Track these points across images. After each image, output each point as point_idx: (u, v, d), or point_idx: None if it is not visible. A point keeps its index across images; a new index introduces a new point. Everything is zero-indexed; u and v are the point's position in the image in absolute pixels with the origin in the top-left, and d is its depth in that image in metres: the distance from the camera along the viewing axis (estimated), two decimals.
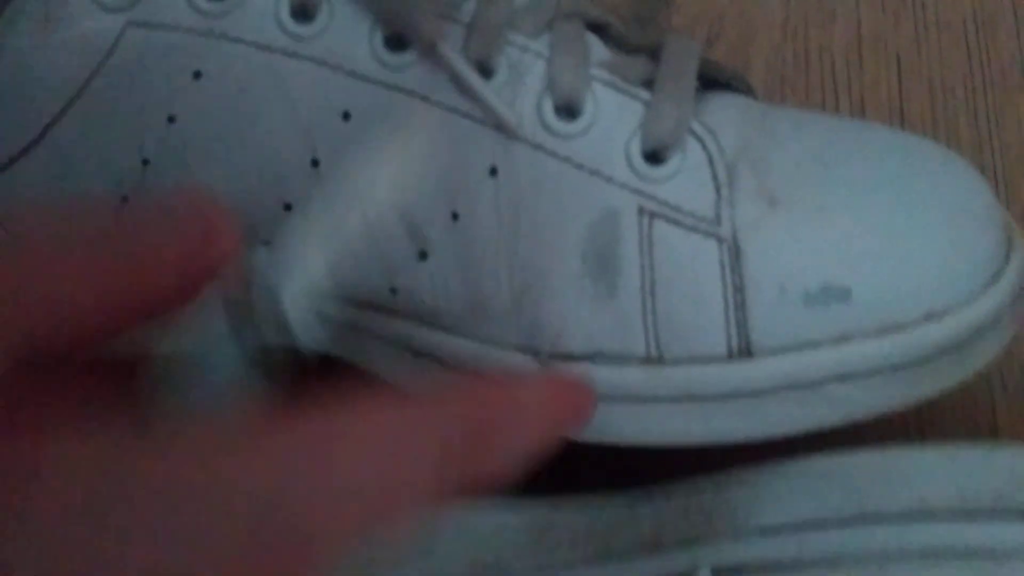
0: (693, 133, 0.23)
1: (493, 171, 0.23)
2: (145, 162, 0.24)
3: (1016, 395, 0.30)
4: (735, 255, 0.22)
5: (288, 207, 0.24)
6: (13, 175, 0.24)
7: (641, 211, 0.22)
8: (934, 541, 0.23)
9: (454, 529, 0.25)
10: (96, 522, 0.15)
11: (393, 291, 0.24)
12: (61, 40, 0.23)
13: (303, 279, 0.20)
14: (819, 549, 0.23)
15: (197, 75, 0.23)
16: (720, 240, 0.22)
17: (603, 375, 0.23)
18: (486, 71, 0.23)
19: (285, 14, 0.23)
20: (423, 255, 0.24)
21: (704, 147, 0.23)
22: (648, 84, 0.23)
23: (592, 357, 0.23)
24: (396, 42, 0.23)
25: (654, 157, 0.23)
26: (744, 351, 0.22)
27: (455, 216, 0.23)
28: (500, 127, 0.23)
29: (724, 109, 0.24)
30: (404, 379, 0.25)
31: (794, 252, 0.22)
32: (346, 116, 0.23)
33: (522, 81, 0.23)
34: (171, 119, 0.24)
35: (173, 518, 0.15)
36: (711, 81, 0.25)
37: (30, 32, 0.23)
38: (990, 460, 0.23)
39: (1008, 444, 0.24)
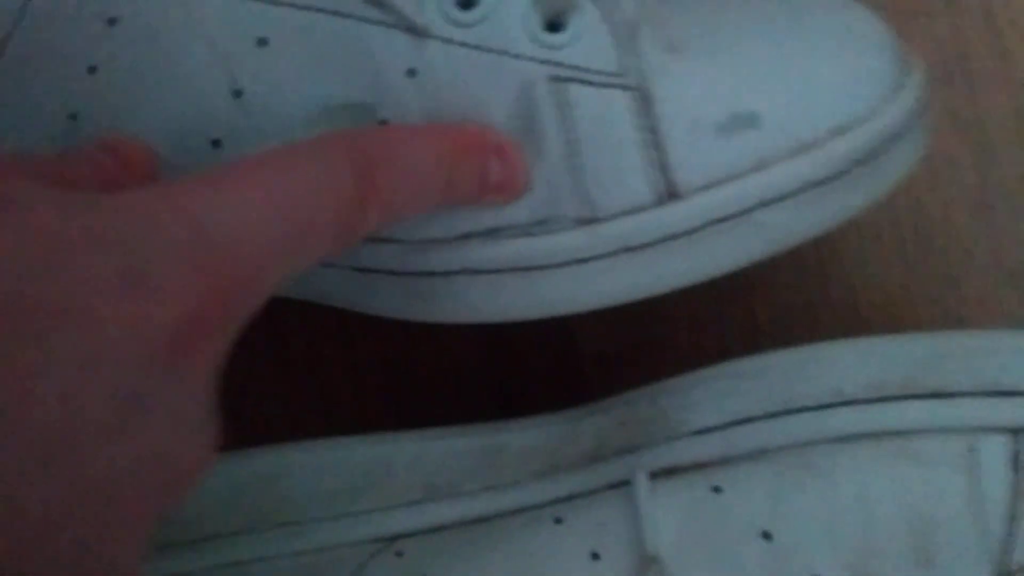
0: None
1: (411, 73, 0.24)
2: (73, 116, 0.24)
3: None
4: (645, 101, 0.23)
5: (215, 143, 0.25)
6: None
7: (552, 78, 0.23)
8: (848, 425, 0.24)
9: (408, 456, 0.26)
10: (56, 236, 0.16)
11: None
12: None
13: None
14: (745, 443, 0.24)
15: (112, 22, 0.24)
16: (629, 89, 0.23)
17: (543, 244, 0.24)
18: None
19: None
20: None
21: (599, 6, 0.24)
22: None
23: (532, 226, 0.24)
24: None
25: (553, 26, 0.24)
26: (671, 194, 0.23)
27: (383, 123, 0.24)
28: (411, 29, 0.24)
29: None
30: (353, 298, 0.26)
31: (701, 87, 0.23)
32: (262, 42, 0.24)
33: None
34: (92, 69, 0.24)
35: (126, 238, 0.17)
36: None
37: None
38: (901, 349, 0.24)
39: (919, 333, 0.25)
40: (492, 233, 0.24)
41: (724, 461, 0.24)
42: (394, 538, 0.25)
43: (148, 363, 0.17)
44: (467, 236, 0.24)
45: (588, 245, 0.23)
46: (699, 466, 0.24)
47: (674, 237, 0.23)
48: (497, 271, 0.24)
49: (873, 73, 0.23)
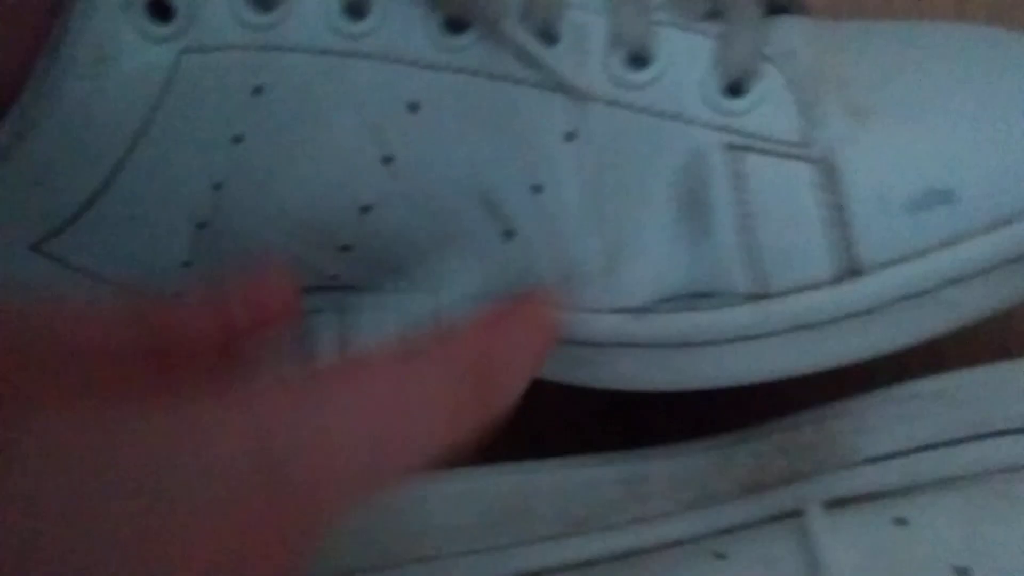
0: (768, 59, 0.23)
1: (570, 136, 0.23)
2: (217, 187, 0.24)
3: None
4: (829, 174, 0.22)
5: (365, 209, 0.24)
6: (86, 223, 0.24)
7: (728, 147, 0.22)
8: None
9: (546, 486, 0.25)
10: (79, 490, 0.14)
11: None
12: (117, 79, 0.23)
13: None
14: (931, 471, 0.23)
15: (257, 91, 0.23)
16: (812, 162, 0.22)
17: (707, 318, 0.23)
18: (550, 38, 0.23)
19: (336, 14, 0.23)
20: (508, 234, 0.24)
21: (782, 70, 0.22)
22: (713, 16, 0.23)
23: (695, 301, 0.23)
24: (454, 25, 0.23)
25: (733, 90, 0.22)
26: (851, 271, 0.22)
27: (537, 188, 0.23)
28: (571, 91, 0.23)
29: (791, 31, 0.24)
30: None
31: (890, 161, 0.22)
32: (413, 107, 0.23)
33: (587, 41, 0.23)
34: (237, 139, 0.23)
35: (156, 480, 0.15)
36: (770, 7, 0.25)
37: (85, 75, 0.23)
38: None
39: None
40: (644, 310, 0.23)
41: (906, 491, 0.22)
42: (537, 574, 0.24)
43: None
44: (619, 311, 0.23)
45: (758, 323, 0.22)
46: (877, 496, 0.23)
47: (852, 316, 0.22)
48: (655, 346, 0.23)
49: None
